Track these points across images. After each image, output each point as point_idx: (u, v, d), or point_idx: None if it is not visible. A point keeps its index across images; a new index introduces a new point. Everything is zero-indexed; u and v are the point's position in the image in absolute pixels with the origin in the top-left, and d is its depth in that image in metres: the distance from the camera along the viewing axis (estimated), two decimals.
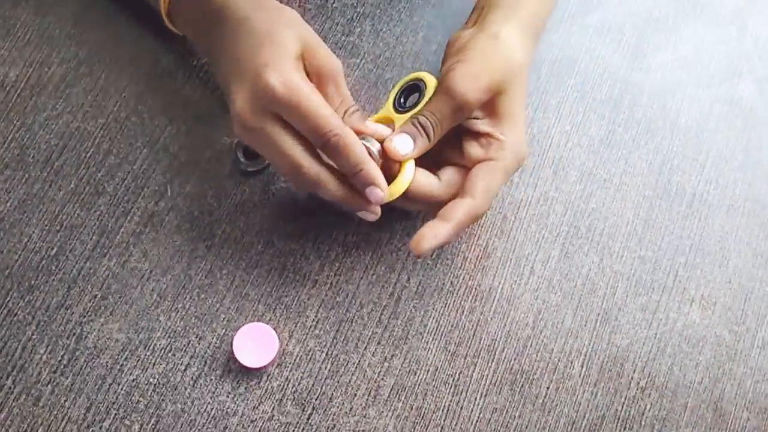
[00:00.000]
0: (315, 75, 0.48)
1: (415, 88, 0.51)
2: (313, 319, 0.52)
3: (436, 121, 0.48)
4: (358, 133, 0.48)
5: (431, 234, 0.46)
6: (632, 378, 0.53)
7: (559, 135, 0.58)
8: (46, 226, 0.54)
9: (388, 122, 0.51)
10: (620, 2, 0.62)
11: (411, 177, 0.48)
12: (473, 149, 0.49)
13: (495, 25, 0.50)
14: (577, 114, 0.59)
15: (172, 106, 0.57)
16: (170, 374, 0.51)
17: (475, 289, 0.54)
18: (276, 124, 0.46)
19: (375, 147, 0.48)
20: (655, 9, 0.62)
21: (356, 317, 0.53)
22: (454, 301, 0.53)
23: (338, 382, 0.51)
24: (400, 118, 0.50)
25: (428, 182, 0.49)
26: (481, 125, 0.49)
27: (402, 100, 0.52)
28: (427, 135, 0.49)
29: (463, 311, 0.53)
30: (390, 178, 0.48)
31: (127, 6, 0.59)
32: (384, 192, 0.47)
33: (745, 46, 0.62)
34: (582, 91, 0.60)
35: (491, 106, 0.49)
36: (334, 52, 0.58)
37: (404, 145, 0.48)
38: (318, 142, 0.46)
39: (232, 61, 0.48)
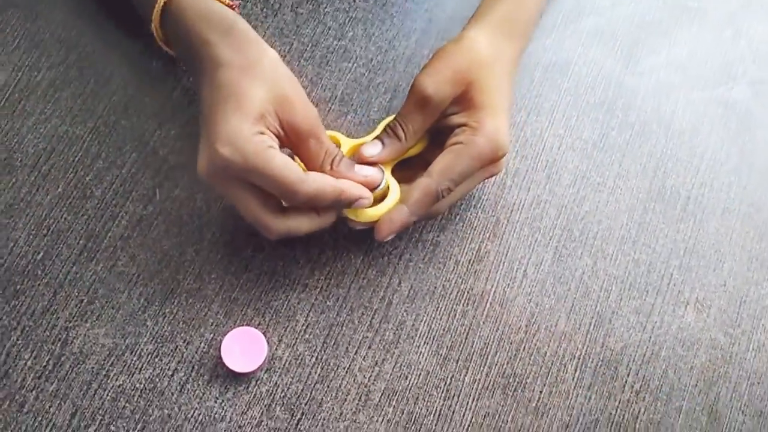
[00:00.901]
0: (292, 130, 0.47)
1: None
2: (303, 324, 0.52)
3: (404, 120, 0.50)
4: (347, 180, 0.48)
5: (387, 219, 0.48)
6: (626, 381, 0.52)
7: (553, 138, 0.58)
8: (33, 230, 0.53)
9: None
10: (613, 6, 0.62)
11: (392, 202, 0.49)
12: (452, 138, 0.49)
13: (463, 31, 0.52)
14: (571, 117, 0.59)
15: (162, 109, 0.57)
16: (157, 379, 0.50)
17: (468, 292, 0.53)
18: (236, 187, 0.46)
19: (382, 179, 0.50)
20: (648, 13, 0.62)
21: (347, 321, 0.52)
22: (446, 305, 0.53)
23: (328, 386, 0.50)
24: None
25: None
26: (457, 118, 0.50)
27: None
28: (396, 135, 0.50)
29: (455, 315, 0.53)
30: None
31: (118, 11, 0.59)
32: (368, 196, 0.48)
33: (740, 49, 0.61)
34: (575, 94, 0.59)
35: (465, 99, 0.49)
36: (326, 57, 0.59)
37: (372, 148, 0.50)
38: (290, 200, 0.46)
39: (202, 111, 0.47)
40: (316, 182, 0.45)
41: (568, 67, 0.60)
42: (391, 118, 0.53)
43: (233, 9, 0.51)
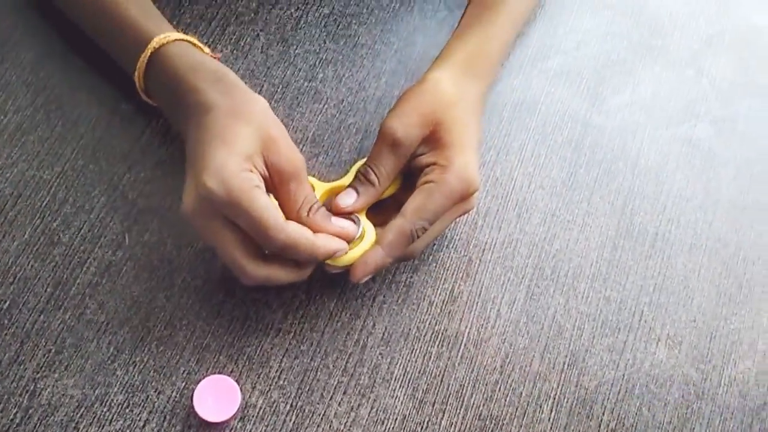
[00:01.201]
0: (276, 172, 0.47)
1: None
2: (277, 369, 0.51)
3: (375, 165, 0.50)
4: (321, 231, 0.47)
5: (362, 261, 0.48)
6: (601, 420, 0.52)
7: (522, 177, 0.59)
8: None
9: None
10: (578, 47, 0.63)
11: (367, 245, 0.49)
12: (422, 178, 0.50)
13: (427, 73, 0.53)
14: (540, 156, 0.59)
15: (131, 152, 0.56)
16: (128, 431, 0.49)
17: (442, 333, 0.53)
18: (218, 225, 0.45)
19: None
20: (613, 53, 0.64)
21: (321, 366, 0.51)
22: (421, 347, 0.53)
23: None
24: None
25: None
26: (427, 158, 0.50)
27: None
28: (369, 180, 0.50)
29: (431, 357, 0.52)
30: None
31: (86, 53, 0.58)
32: (344, 248, 0.48)
33: (702, 88, 0.63)
34: (543, 133, 0.60)
35: (433, 138, 0.50)
36: (297, 98, 0.59)
37: (347, 198, 0.50)
38: (264, 244, 0.46)
39: (189, 152, 0.47)
40: (294, 233, 0.45)
41: (535, 106, 0.61)
42: (362, 161, 0.53)
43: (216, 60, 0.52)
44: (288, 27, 0.62)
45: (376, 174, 0.50)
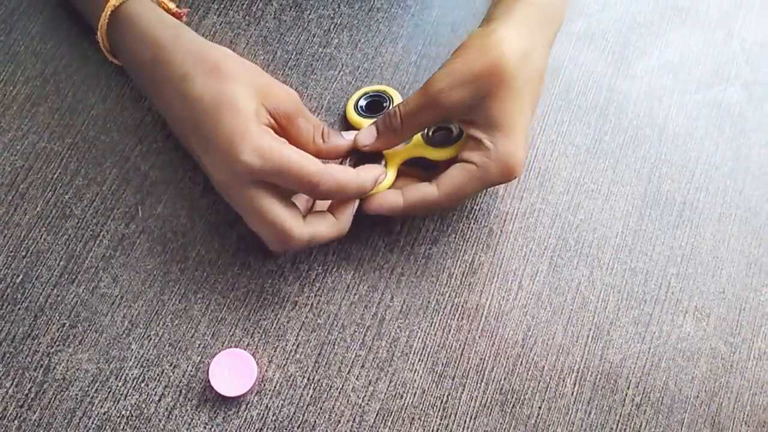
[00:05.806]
0: (280, 114, 0.46)
1: (378, 99, 0.55)
2: (294, 343, 0.50)
3: (405, 112, 0.48)
4: (340, 151, 0.49)
5: (380, 198, 0.49)
6: (626, 394, 0.51)
7: (545, 144, 0.57)
8: (11, 252, 0.51)
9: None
10: (603, 8, 0.61)
11: (387, 180, 0.50)
12: (464, 153, 0.48)
13: (493, 22, 0.48)
14: (563, 123, 0.57)
15: (143, 124, 0.55)
16: (143, 405, 0.48)
17: (462, 306, 0.52)
18: (257, 192, 0.44)
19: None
20: (639, 15, 0.61)
21: (338, 339, 0.50)
22: (440, 320, 0.51)
23: (321, 408, 0.49)
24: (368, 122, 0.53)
25: (425, 191, 0.49)
26: (472, 130, 0.48)
27: (364, 109, 0.55)
28: (392, 125, 0.48)
29: (450, 330, 0.51)
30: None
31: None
32: (383, 171, 0.49)
33: (732, 50, 0.60)
34: (567, 99, 0.58)
35: (484, 109, 0.46)
36: (311, 65, 0.57)
37: (366, 136, 0.49)
38: (313, 194, 0.46)
39: (190, 127, 0.46)
40: (340, 173, 0.45)
41: (558, 70, 0.59)
42: (371, 88, 0.55)
43: (181, 18, 0.52)
44: None
45: (402, 119, 0.48)
